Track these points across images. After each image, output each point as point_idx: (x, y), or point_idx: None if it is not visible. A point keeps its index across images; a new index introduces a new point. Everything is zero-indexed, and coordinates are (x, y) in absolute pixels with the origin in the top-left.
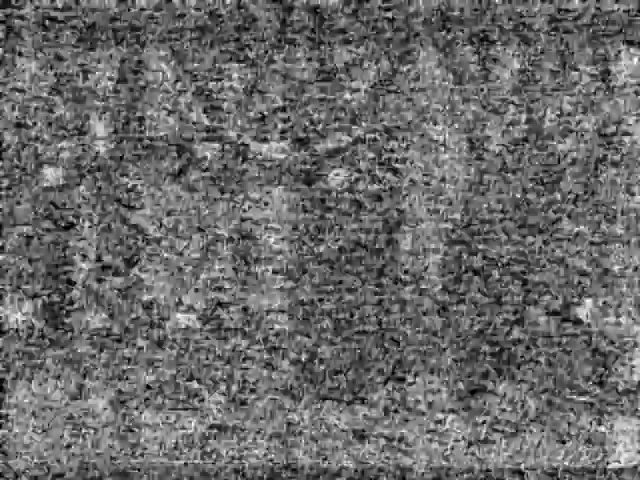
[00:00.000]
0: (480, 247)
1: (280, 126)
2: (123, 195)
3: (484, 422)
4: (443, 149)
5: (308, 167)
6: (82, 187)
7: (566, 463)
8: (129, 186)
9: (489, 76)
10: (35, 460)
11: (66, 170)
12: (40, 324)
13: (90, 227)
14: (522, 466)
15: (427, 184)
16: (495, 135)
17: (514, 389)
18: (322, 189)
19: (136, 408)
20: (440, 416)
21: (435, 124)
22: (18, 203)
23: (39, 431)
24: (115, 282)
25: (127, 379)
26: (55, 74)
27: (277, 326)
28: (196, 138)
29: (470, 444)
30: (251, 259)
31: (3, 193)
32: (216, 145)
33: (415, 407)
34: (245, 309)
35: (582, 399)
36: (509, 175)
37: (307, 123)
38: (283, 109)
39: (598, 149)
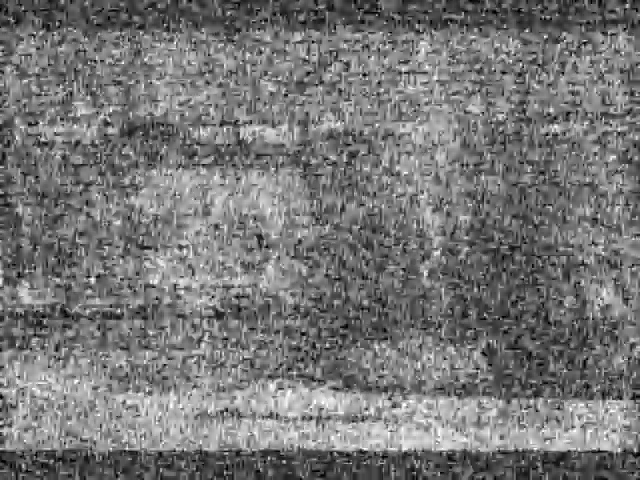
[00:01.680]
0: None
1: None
2: (125, 178)
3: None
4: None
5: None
6: (85, 170)
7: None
8: (131, 169)
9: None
10: (32, 443)
11: (69, 152)
12: (47, 307)
13: (94, 209)
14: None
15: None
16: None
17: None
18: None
19: (137, 390)
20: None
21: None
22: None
23: (38, 414)
24: (122, 266)
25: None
26: (58, 56)
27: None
28: (203, 121)
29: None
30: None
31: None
32: (222, 129)
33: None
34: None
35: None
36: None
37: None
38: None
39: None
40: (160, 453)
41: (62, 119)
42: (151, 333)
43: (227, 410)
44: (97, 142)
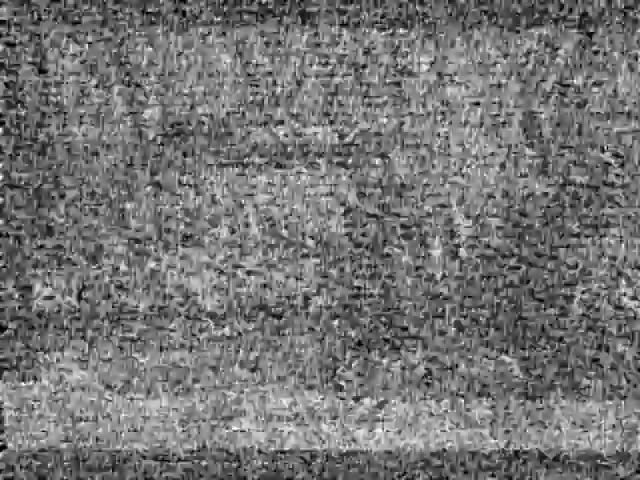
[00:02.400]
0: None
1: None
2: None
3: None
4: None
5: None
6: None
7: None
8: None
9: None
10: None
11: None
12: (71, 304)
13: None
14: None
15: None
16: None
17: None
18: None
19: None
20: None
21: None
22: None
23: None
24: (146, 264)
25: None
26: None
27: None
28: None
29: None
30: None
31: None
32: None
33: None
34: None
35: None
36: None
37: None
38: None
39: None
40: (156, 455)
41: (97, 120)
42: (162, 334)
43: (234, 411)
44: (132, 143)
